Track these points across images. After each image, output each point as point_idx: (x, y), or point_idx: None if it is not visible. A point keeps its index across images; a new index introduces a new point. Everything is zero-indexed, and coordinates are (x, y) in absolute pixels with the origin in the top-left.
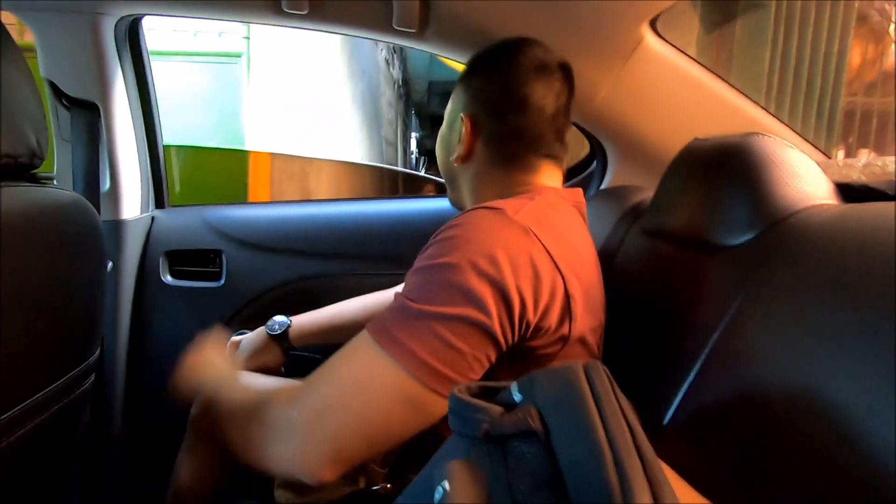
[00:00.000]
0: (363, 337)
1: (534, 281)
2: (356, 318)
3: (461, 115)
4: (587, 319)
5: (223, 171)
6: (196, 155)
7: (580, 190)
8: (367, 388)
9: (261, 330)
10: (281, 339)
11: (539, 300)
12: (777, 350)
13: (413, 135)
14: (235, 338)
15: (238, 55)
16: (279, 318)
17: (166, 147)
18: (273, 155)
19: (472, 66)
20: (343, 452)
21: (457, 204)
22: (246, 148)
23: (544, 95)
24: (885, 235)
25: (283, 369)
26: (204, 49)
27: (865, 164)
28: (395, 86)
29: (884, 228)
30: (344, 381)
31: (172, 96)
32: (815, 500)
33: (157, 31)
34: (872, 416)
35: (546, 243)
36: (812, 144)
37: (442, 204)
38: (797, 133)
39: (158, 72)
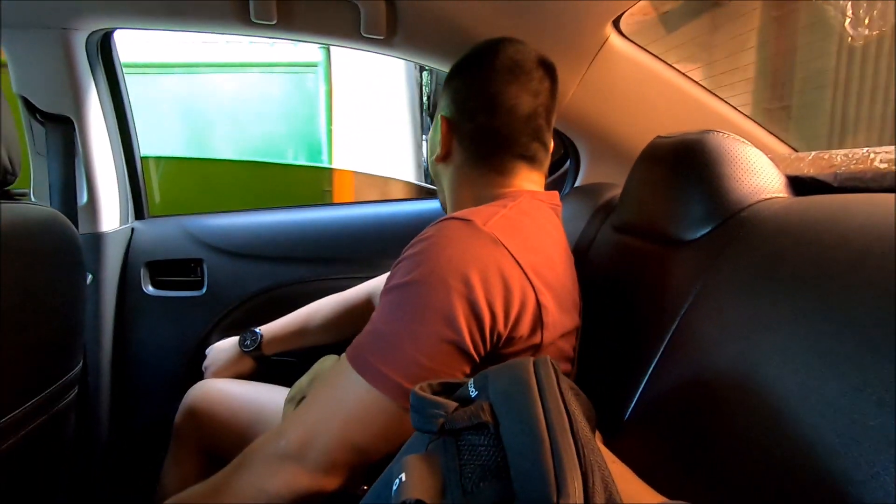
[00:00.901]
0: (343, 365)
1: (504, 293)
2: (326, 321)
3: (439, 115)
4: (560, 326)
5: (306, 183)
6: (279, 170)
7: (557, 193)
8: (349, 410)
9: (232, 341)
10: (253, 351)
11: (510, 312)
12: (723, 340)
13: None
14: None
15: (314, 64)
16: (250, 332)
17: (242, 162)
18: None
19: (453, 68)
20: (339, 462)
21: (442, 203)
22: (327, 164)
23: (517, 95)
24: (822, 228)
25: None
26: (280, 59)
27: (813, 157)
28: (422, 92)
29: (822, 221)
30: (327, 406)
31: (250, 107)
32: (758, 483)
33: (237, 43)
34: (803, 401)
35: (516, 254)
36: (777, 137)
37: (416, 207)
38: (762, 126)
39: (237, 83)
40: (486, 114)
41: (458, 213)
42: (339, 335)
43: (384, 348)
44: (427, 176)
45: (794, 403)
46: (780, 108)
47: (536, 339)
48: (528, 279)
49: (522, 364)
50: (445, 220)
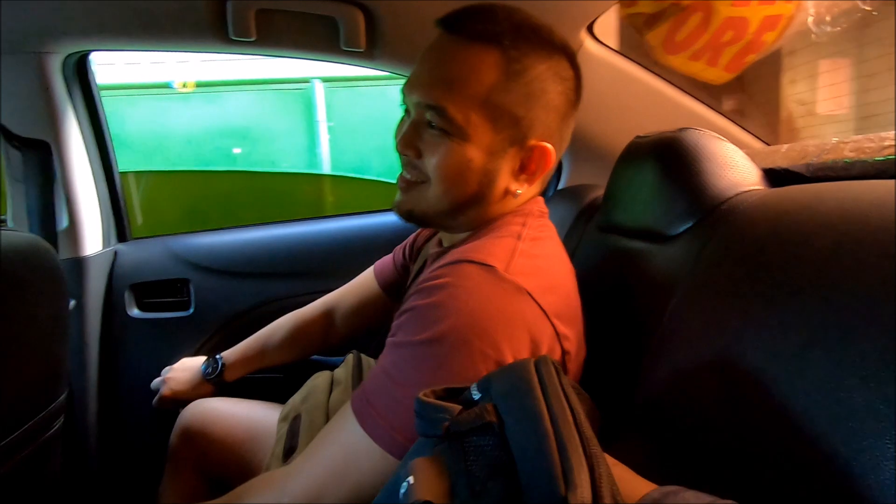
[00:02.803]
0: (347, 416)
1: (531, 349)
2: (283, 340)
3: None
4: (578, 358)
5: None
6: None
7: (542, 199)
8: (361, 475)
9: (197, 362)
10: (214, 378)
11: None
12: (709, 332)
13: None
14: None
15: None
16: (212, 360)
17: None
18: None
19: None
20: None
21: (423, 214)
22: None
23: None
24: (798, 216)
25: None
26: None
27: (787, 149)
28: None
29: (795, 211)
30: (328, 465)
31: (354, 122)
32: (753, 469)
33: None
34: (791, 385)
35: (541, 301)
36: (750, 133)
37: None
38: (735, 123)
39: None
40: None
41: (473, 255)
42: (299, 354)
43: (400, 412)
44: None
45: (783, 389)
46: None
47: None
48: (554, 328)
49: (523, 364)
50: (462, 263)
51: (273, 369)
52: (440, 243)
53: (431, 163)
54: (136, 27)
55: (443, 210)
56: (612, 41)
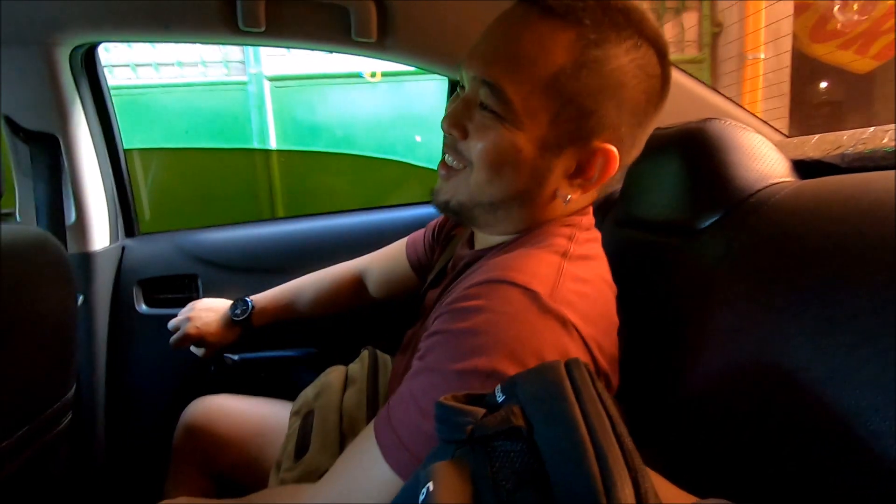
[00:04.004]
0: (370, 443)
1: None
2: (315, 298)
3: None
4: (613, 378)
5: None
6: None
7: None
8: (370, 495)
9: (220, 304)
10: (243, 321)
11: None
12: (743, 329)
13: None
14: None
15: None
16: (241, 301)
17: None
18: None
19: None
20: None
21: (460, 206)
22: None
23: None
24: (837, 209)
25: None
26: None
27: (818, 140)
28: None
29: (835, 202)
30: (350, 492)
31: None
32: (803, 473)
33: None
34: (839, 383)
35: (586, 334)
36: (770, 126)
37: (411, 213)
38: (754, 115)
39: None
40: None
41: (515, 275)
42: (326, 311)
43: (418, 432)
44: None
45: (830, 390)
46: None
47: None
48: (596, 364)
49: (553, 366)
50: (502, 285)
51: (271, 325)
52: (470, 243)
53: (477, 147)
54: (144, 18)
55: (482, 202)
56: None
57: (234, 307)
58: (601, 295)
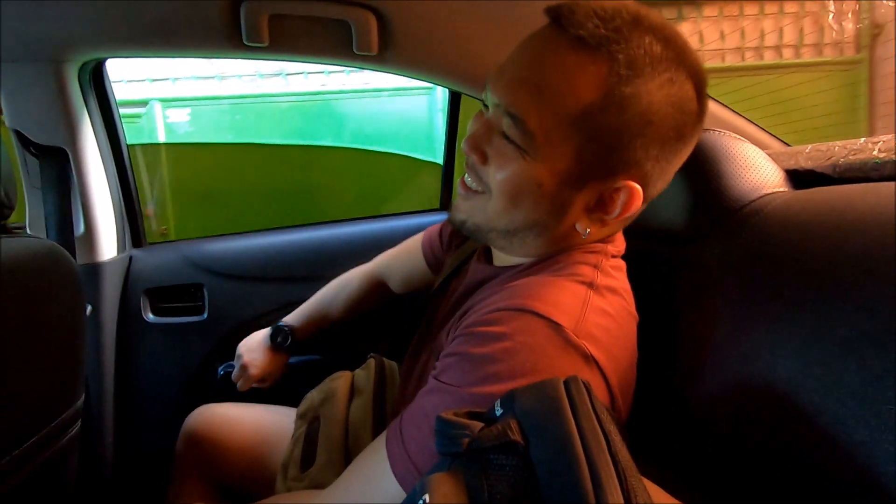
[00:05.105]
0: (381, 458)
1: None
2: (347, 305)
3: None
4: (626, 411)
5: None
6: None
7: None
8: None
9: (259, 339)
10: (288, 347)
11: None
12: (735, 339)
13: None
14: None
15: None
16: (278, 329)
17: None
18: None
19: None
20: None
21: (479, 220)
22: None
23: None
24: (825, 220)
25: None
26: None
27: (811, 150)
28: None
29: (823, 214)
30: (354, 498)
31: None
32: (787, 483)
33: None
34: (825, 393)
35: (608, 372)
36: (770, 133)
37: (416, 221)
38: (754, 123)
39: None
40: None
41: (538, 305)
42: (358, 313)
43: (428, 453)
44: None
45: (816, 397)
46: None
47: None
48: (613, 402)
49: (552, 383)
50: (525, 314)
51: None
52: (487, 255)
53: (496, 176)
54: (150, 34)
55: (499, 229)
56: None
57: (273, 338)
58: (625, 329)
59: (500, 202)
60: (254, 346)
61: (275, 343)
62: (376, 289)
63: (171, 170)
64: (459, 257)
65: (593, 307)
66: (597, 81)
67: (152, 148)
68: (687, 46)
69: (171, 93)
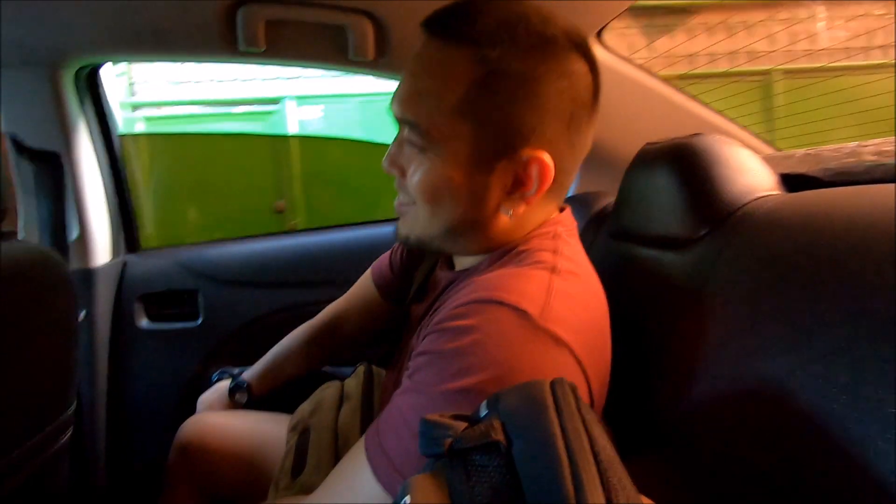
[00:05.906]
0: (361, 462)
1: None
2: (298, 356)
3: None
4: (598, 407)
5: None
6: None
7: (569, 209)
8: None
9: (220, 393)
10: (246, 403)
11: None
12: (728, 341)
13: None
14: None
15: None
16: (237, 386)
17: None
18: None
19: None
20: None
21: (428, 238)
22: None
23: None
24: (816, 222)
25: None
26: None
27: (803, 154)
28: None
29: (815, 216)
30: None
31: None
32: (783, 485)
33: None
34: (820, 395)
35: (580, 353)
36: (761, 139)
37: None
38: (744, 128)
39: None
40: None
41: (504, 295)
42: (313, 367)
43: (408, 452)
44: None
45: (808, 398)
46: None
47: None
48: (588, 385)
49: (538, 384)
50: (491, 305)
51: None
52: (449, 262)
53: (413, 182)
54: (145, 39)
55: (436, 234)
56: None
57: (232, 394)
58: (592, 310)
59: (425, 207)
60: (214, 402)
61: (233, 400)
62: (327, 338)
63: (303, 163)
64: (426, 269)
65: (557, 292)
66: (466, 68)
67: (283, 142)
68: (546, 19)
69: (303, 90)
